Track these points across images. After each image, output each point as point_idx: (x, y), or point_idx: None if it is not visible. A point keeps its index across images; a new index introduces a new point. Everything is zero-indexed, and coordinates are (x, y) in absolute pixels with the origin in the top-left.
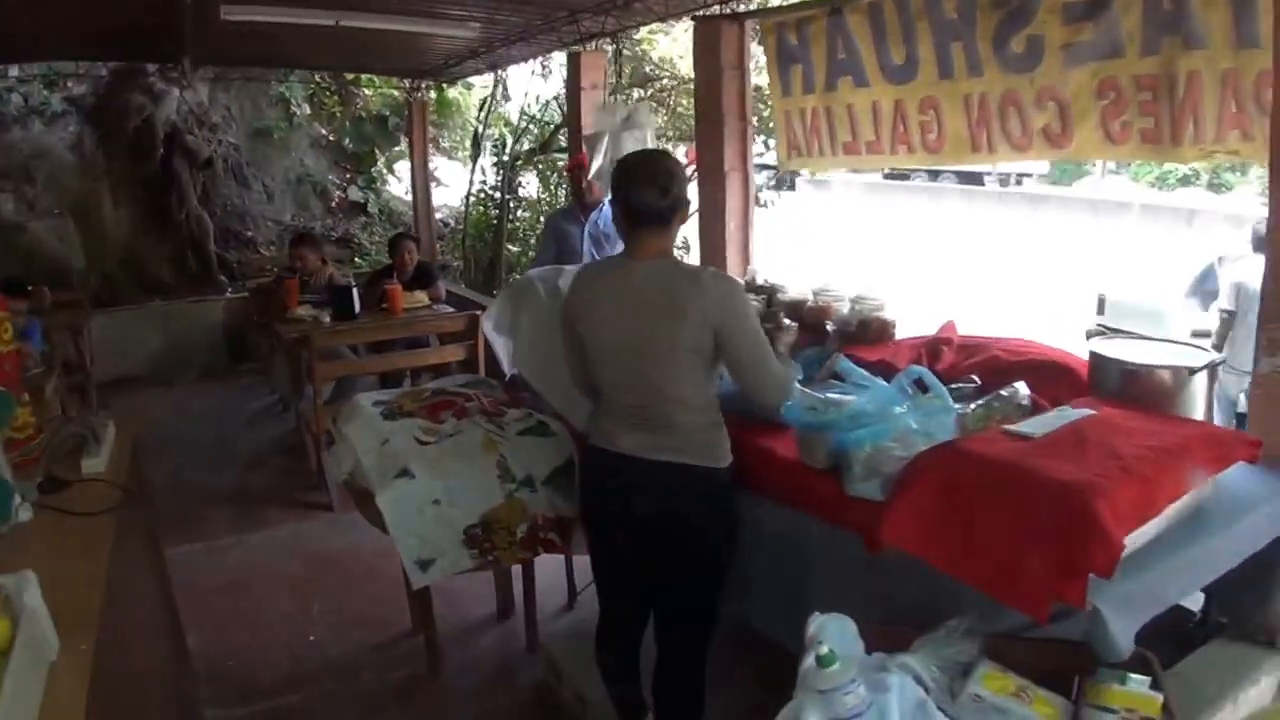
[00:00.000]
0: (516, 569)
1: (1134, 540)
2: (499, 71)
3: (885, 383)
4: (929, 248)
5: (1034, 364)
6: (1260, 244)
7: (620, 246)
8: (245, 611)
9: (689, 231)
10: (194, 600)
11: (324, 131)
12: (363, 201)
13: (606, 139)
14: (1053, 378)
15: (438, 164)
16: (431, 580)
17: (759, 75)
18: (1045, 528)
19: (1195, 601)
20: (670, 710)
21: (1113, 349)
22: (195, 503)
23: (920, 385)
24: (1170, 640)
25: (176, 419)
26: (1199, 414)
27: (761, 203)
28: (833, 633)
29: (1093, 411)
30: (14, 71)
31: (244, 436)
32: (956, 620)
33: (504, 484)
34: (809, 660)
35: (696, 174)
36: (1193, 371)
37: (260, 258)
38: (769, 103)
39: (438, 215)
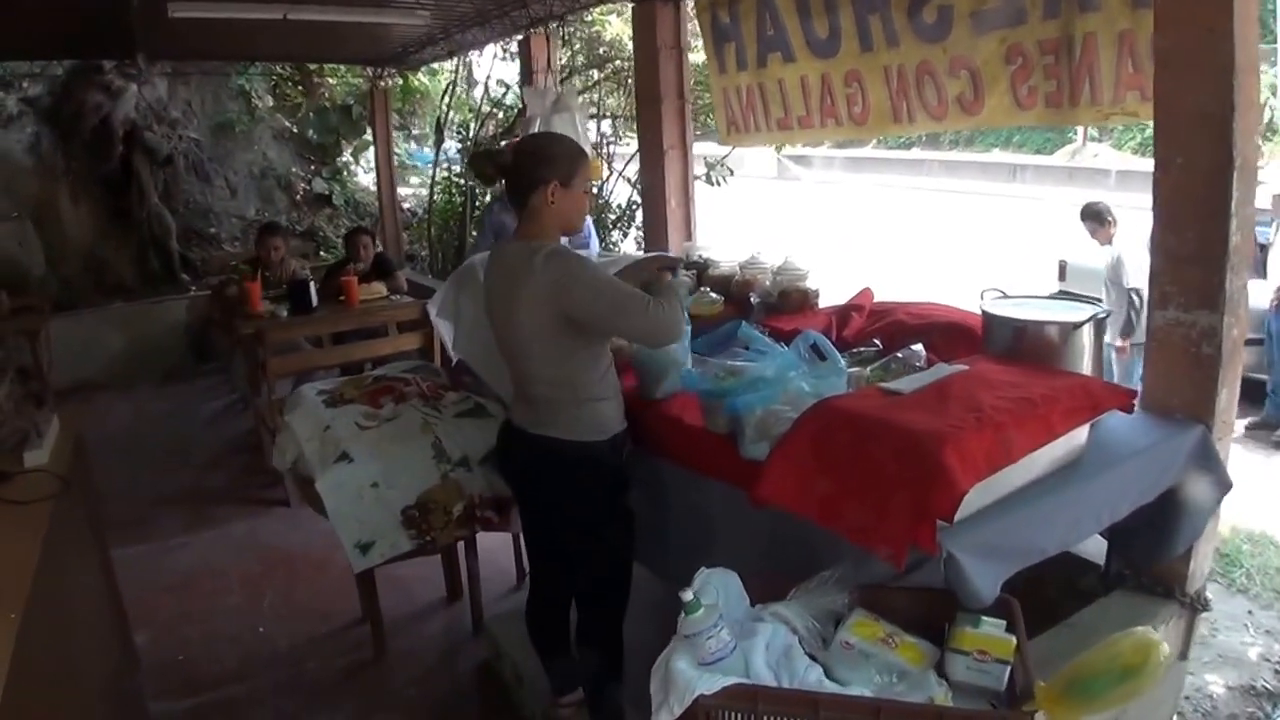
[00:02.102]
0: (468, 552)
1: (991, 488)
2: (460, 57)
3: (784, 349)
4: (902, 221)
5: (935, 325)
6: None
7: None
8: (195, 608)
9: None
10: (145, 599)
11: (287, 123)
12: (327, 193)
13: (538, 122)
14: (952, 338)
15: (410, 151)
16: (372, 563)
17: (700, 55)
18: (900, 476)
19: (1101, 554)
20: (590, 676)
21: (1002, 308)
22: (150, 505)
23: (816, 350)
24: (1075, 593)
25: (136, 422)
26: (1086, 367)
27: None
28: (717, 585)
29: (965, 367)
30: None
31: (203, 436)
32: (830, 570)
33: (439, 465)
34: None
35: (639, 154)
36: (1076, 326)
37: (224, 254)
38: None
39: (406, 205)
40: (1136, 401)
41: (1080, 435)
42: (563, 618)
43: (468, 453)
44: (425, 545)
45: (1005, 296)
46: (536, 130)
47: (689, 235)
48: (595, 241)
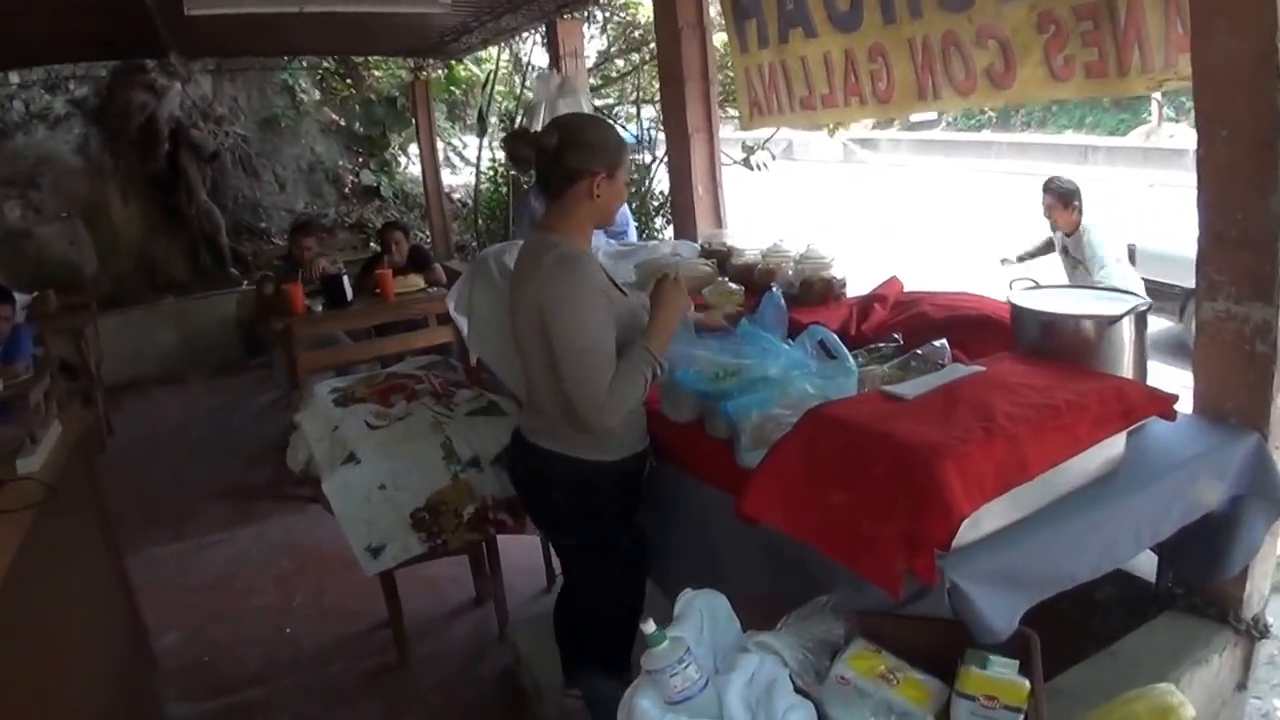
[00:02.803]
0: (501, 550)
1: (1008, 507)
2: (501, 45)
3: (789, 345)
4: (966, 204)
5: (962, 319)
6: None
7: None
8: (226, 608)
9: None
10: (179, 598)
11: (334, 116)
12: (376, 185)
13: (544, 107)
14: (980, 333)
15: (466, 141)
16: (384, 566)
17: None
18: (893, 495)
19: (1151, 570)
20: (586, 686)
21: (1031, 300)
22: (193, 500)
23: (825, 348)
24: (1123, 612)
25: (186, 416)
26: (1125, 367)
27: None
28: (702, 609)
29: (980, 369)
30: (14, 78)
31: (249, 431)
32: (828, 596)
33: (449, 465)
34: None
35: (665, 138)
36: (1112, 320)
37: (273, 248)
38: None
39: (455, 195)
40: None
41: (1117, 444)
42: (581, 621)
43: (479, 453)
44: (437, 548)
45: (1037, 286)
46: (541, 116)
47: (718, 222)
48: (633, 230)
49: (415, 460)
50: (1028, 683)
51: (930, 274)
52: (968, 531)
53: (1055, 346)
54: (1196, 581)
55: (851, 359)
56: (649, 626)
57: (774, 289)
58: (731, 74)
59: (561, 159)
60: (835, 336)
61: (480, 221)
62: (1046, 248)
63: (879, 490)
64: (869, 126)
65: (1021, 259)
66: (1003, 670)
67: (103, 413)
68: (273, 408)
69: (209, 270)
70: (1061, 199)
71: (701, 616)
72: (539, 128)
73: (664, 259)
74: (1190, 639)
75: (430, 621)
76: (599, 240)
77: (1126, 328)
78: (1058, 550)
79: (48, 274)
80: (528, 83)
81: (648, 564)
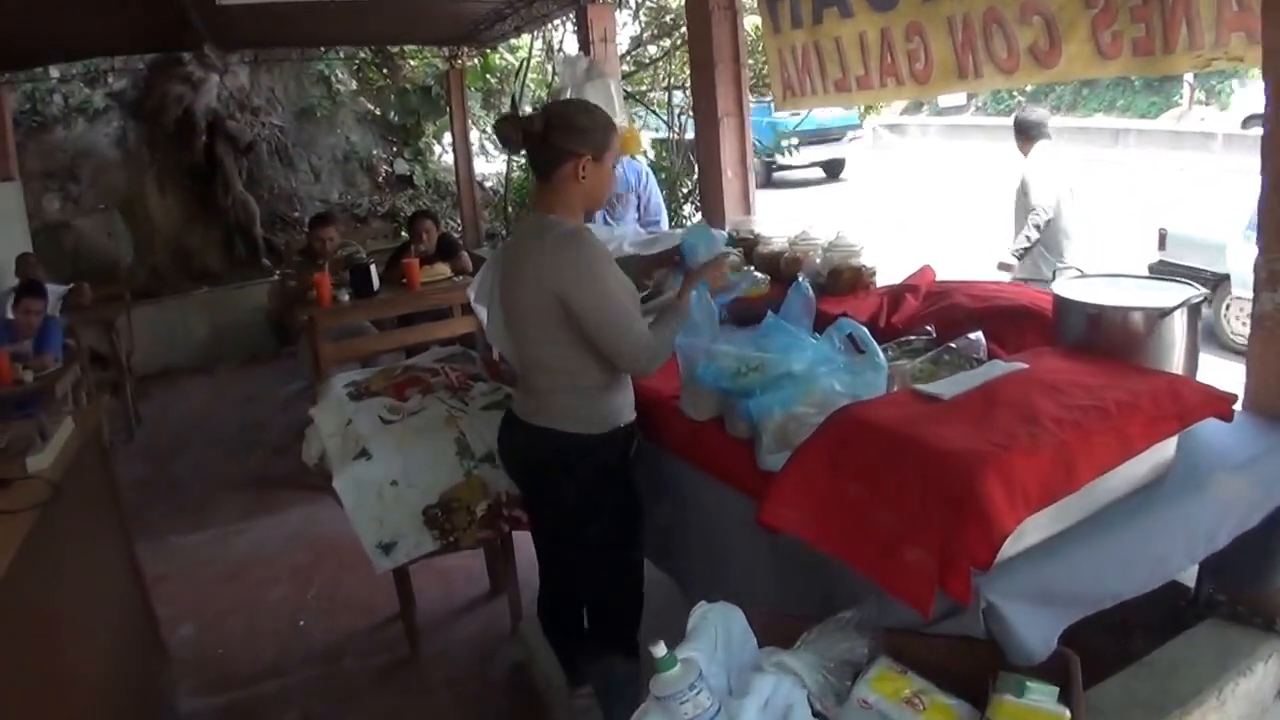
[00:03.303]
0: (516, 545)
1: (1050, 518)
2: (535, 33)
3: (817, 339)
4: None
5: (999, 310)
6: None
7: (632, 207)
8: (243, 600)
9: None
10: (198, 589)
11: (370, 106)
12: (409, 174)
13: (570, 92)
14: (1019, 325)
15: None
16: (396, 564)
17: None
18: (927, 507)
19: (1191, 575)
20: (597, 683)
21: (1077, 290)
22: (217, 489)
23: (853, 341)
24: (1160, 620)
25: (215, 405)
26: (1176, 363)
27: None
28: (716, 623)
29: (1024, 365)
30: (55, 72)
31: (276, 420)
32: (852, 611)
33: (462, 461)
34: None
35: (694, 122)
36: (1164, 313)
37: (304, 239)
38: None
39: (487, 183)
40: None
41: (1168, 448)
42: (575, 609)
43: (493, 448)
44: (449, 545)
45: (1083, 275)
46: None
47: (747, 208)
48: (665, 218)
49: (428, 456)
50: (1068, 712)
51: (960, 262)
52: (1006, 545)
53: (1101, 341)
54: (1241, 589)
55: (881, 354)
56: (659, 650)
57: (801, 279)
58: (764, 58)
59: (547, 141)
60: (865, 329)
61: (510, 209)
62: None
63: (912, 501)
64: (897, 111)
65: (1022, 254)
66: (1040, 699)
67: (131, 403)
68: (298, 398)
69: (243, 260)
70: (1020, 132)
71: (716, 632)
72: None
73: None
74: (1232, 648)
75: (444, 615)
76: (628, 229)
77: (1179, 321)
78: (1104, 565)
79: (85, 265)
80: (559, 69)
81: (642, 545)
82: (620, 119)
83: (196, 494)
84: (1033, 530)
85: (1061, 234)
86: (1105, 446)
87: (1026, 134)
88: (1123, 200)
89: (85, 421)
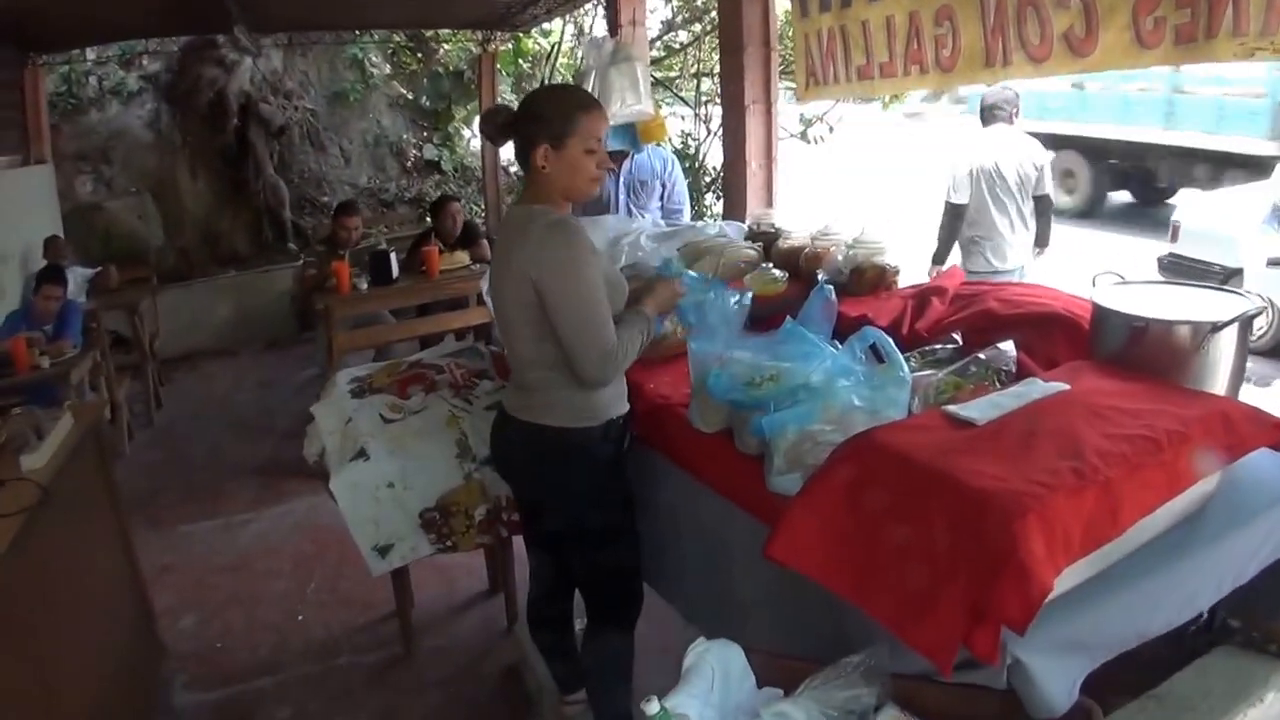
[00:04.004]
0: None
1: (1081, 569)
2: (566, 18)
3: (837, 349)
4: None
5: (1031, 318)
6: None
7: (656, 195)
8: (245, 591)
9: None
10: (202, 580)
11: (402, 90)
12: (437, 160)
13: (594, 75)
14: (1052, 334)
15: None
16: (391, 566)
17: None
18: (956, 554)
19: None
20: (591, 679)
21: (1118, 298)
22: (227, 476)
23: (876, 351)
24: (1171, 647)
25: (234, 390)
26: (1220, 383)
27: None
28: (714, 663)
29: (1065, 386)
30: (90, 54)
31: (291, 406)
32: (861, 656)
33: (462, 464)
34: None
35: (721, 109)
36: (1216, 328)
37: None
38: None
39: (513, 168)
40: None
41: (1210, 480)
42: (564, 614)
43: None
44: (446, 549)
45: (1124, 281)
46: (592, 85)
47: (769, 200)
48: (688, 209)
49: (426, 458)
50: None
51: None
52: None
53: (1143, 356)
54: (1258, 616)
55: (905, 366)
56: (652, 706)
57: (822, 279)
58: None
59: (516, 130)
60: (890, 340)
61: None
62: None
63: (940, 545)
64: (918, 99)
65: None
66: None
67: (152, 387)
68: (312, 384)
69: (270, 244)
70: (980, 115)
71: (713, 672)
72: None
73: (709, 240)
74: (1247, 677)
75: (442, 611)
76: (646, 222)
77: (1230, 336)
78: (1135, 609)
79: (116, 248)
80: (584, 52)
81: (638, 543)
82: (646, 105)
83: (208, 480)
84: (1068, 577)
85: (971, 226)
86: (1153, 483)
87: (981, 117)
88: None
89: (84, 416)
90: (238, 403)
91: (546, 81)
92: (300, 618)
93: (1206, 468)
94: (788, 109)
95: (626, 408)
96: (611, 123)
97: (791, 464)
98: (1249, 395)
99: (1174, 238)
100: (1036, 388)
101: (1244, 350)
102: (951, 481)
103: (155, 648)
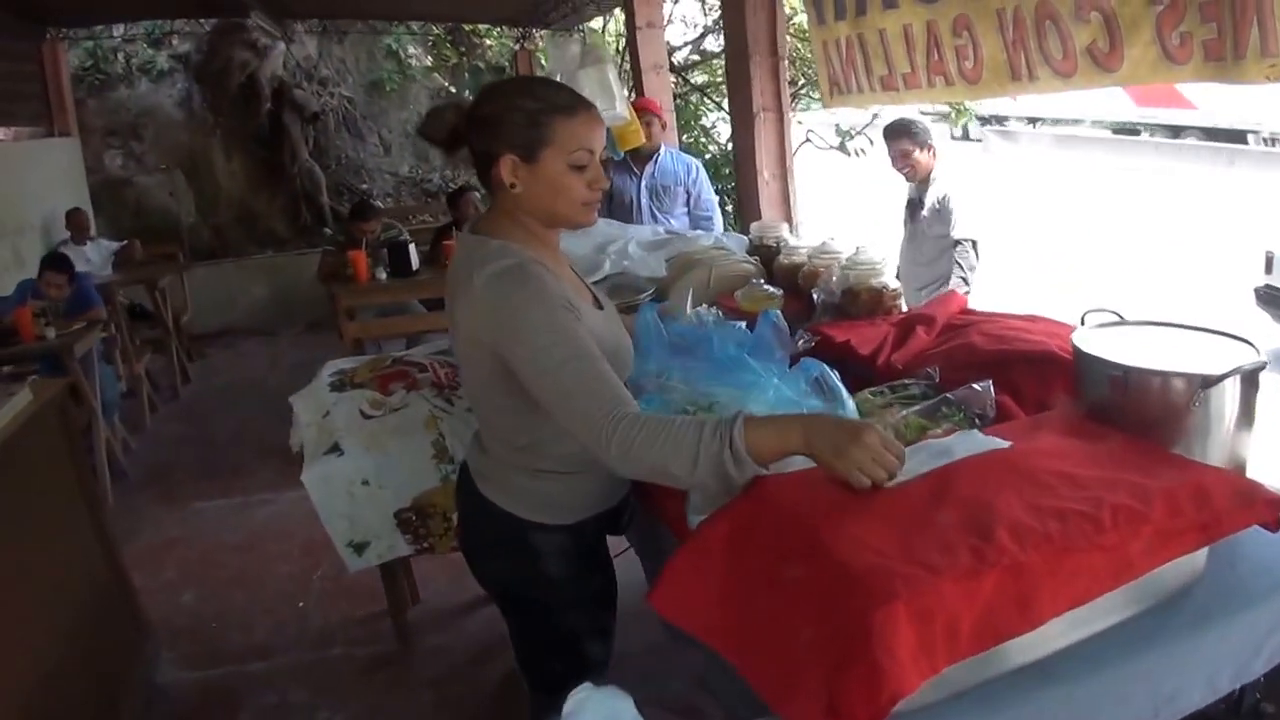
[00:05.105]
0: None
1: (989, 663)
2: (606, 16)
3: (784, 376)
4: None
5: (1018, 355)
6: None
7: (680, 201)
8: (250, 572)
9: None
10: (208, 557)
11: (444, 83)
12: None
13: (560, 79)
14: (1042, 375)
15: None
16: (369, 564)
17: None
18: (820, 630)
19: None
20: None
21: (1101, 341)
22: (250, 455)
23: (821, 385)
24: None
25: (268, 370)
26: (1219, 445)
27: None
28: (596, 713)
29: (1004, 443)
30: (119, 30)
31: None
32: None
33: (439, 465)
34: None
35: (730, 118)
36: (1208, 383)
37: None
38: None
39: None
40: None
41: (1194, 559)
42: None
43: None
44: (424, 550)
45: (1122, 321)
46: None
47: (787, 213)
48: (719, 217)
49: (402, 457)
50: None
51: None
52: (926, 690)
53: (1125, 410)
54: None
55: (850, 403)
56: None
57: (816, 299)
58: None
59: (470, 138)
60: (833, 373)
61: None
62: None
63: (806, 615)
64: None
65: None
66: None
67: (178, 361)
68: None
69: (308, 228)
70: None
71: None
72: None
73: (701, 252)
74: None
75: (447, 609)
76: (645, 230)
77: (1229, 392)
78: (1078, 707)
79: (147, 223)
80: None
81: (610, 632)
82: (620, 109)
83: (227, 458)
84: (966, 673)
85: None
86: (1088, 569)
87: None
88: (1232, 222)
89: (44, 392)
90: (268, 383)
91: None
92: (300, 604)
93: (1171, 550)
94: (828, 120)
95: (611, 504)
96: None
97: (707, 503)
98: None
99: (1268, 269)
100: (972, 441)
101: (1250, 409)
102: (822, 550)
103: (137, 624)
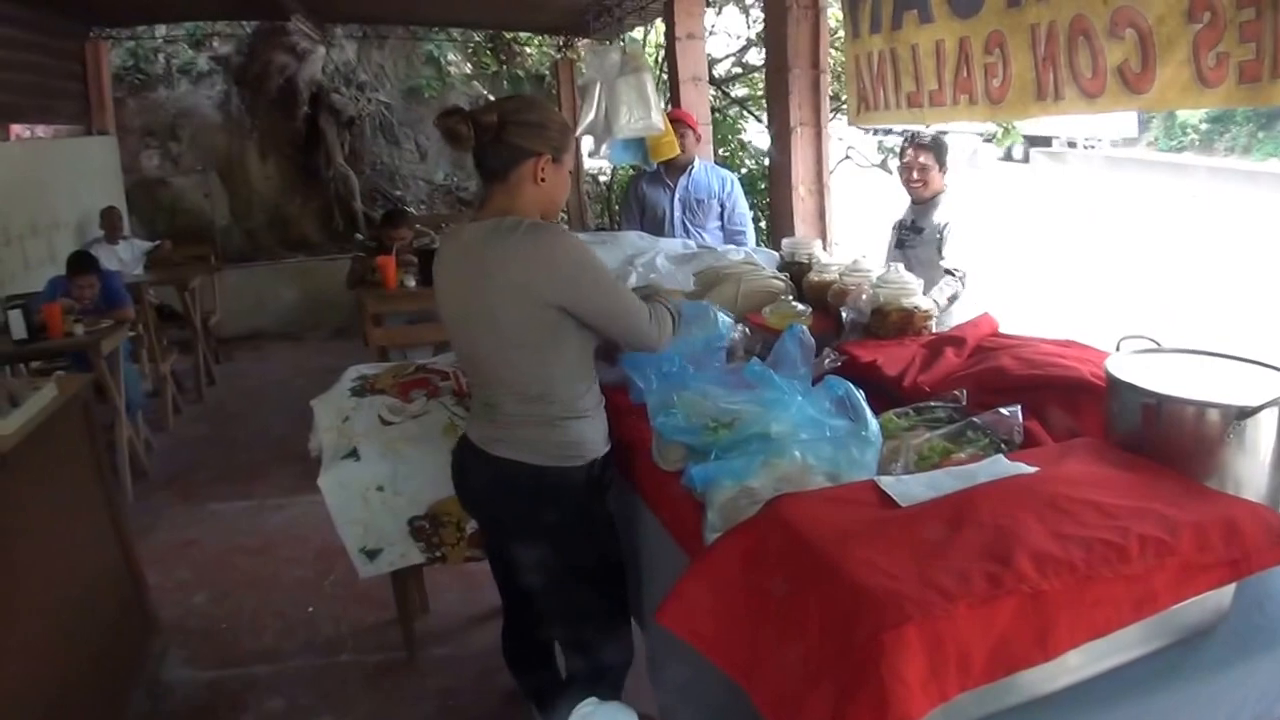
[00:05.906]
0: None
1: (999, 694)
2: (647, 26)
3: (807, 395)
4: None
5: (1050, 380)
6: None
7: (714, 215)
8: (263, 575)
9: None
10: (223, 558)
11: (483, 90)
12: None
13: (599, 87)
14: (1075, 403)
15: None
16: (380, 570)
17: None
18: (825, 656)
19: None
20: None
21: (1136, 368)
22: (269, 459)
23: (845, 405)
24: None
25: (294, 374)
26: (1256, 478)
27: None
28: None
29: (1029, 469)
30: (160, 31)
31: None
32: None
33: None
34: None
35: (769, 132)
36: (1244, 414)
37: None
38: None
39: (602, 177)
40: None
41: (1219, 595)
42: (541, 648)
43: None
44: (436, 559)
45: (1158, 349)
46: (595, 97)
47: (822, 230)
48: (752, 232)
49: (419, 464)
50: None
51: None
52: (938, 718)
53: (1157, 441)
54: None
55: (874, 424)
56: None
57: (845, 318)
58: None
59: (503, 138)
60: (858, 392)
61: (614, 203)
62: None
63: (812, 642)
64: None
65: None
66: None
67: (203, 363)
68: None
69: (340, 233)
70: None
71: None
72: (591, 113)
73: (730, 267)
74: None
75: (459, 620)
76: (674, 243)
77: (1266, 424)
78: None
79: (180, 223)
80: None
81: (624, 591)
82: (656, 119)
83: (248, 461)
84: (978, 703)
85: None
86: (1110, 600)
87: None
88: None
89: (69, 388)
90: (294, 387)
91: None
92: (311, 609)
93: (1197, 585)
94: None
95: (609, 446)
96: (619, 136)
97: (726, 521)
98: None
99: None
100: (996, 467)
101: None
102: (834, 572)
103: (146, 621)
